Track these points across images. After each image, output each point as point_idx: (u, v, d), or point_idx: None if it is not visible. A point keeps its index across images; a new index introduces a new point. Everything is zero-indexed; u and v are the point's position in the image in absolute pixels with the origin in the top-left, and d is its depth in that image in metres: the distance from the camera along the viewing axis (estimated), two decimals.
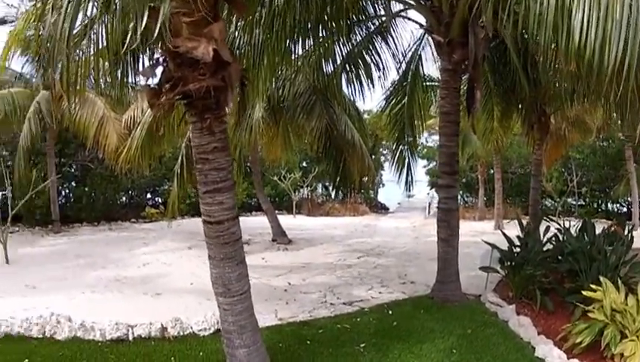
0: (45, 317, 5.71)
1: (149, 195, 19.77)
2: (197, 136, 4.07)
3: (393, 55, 9.11)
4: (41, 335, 5.48)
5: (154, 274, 9.15)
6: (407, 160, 10.08)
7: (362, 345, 5.27)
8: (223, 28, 3.95)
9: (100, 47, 3.72)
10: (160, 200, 19.36)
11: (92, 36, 3.68)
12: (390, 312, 6.49)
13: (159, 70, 3.92)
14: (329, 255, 10.92)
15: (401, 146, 10.04)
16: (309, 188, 21.69)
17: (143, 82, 4.40)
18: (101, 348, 5.19)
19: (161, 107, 3.80)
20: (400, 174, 10.10)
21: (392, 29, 8.84)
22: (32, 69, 14.62)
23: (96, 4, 3.42)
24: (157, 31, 3.17)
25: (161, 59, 3.90)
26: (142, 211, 17.66)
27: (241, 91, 4.04)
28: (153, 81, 3.92)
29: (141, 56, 4.40)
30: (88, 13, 3.57)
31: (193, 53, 3.66)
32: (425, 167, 22.94)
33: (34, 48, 13.18)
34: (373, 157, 14.25)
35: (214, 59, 3.69)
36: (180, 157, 10.06)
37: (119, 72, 4.42)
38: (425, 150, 22.13)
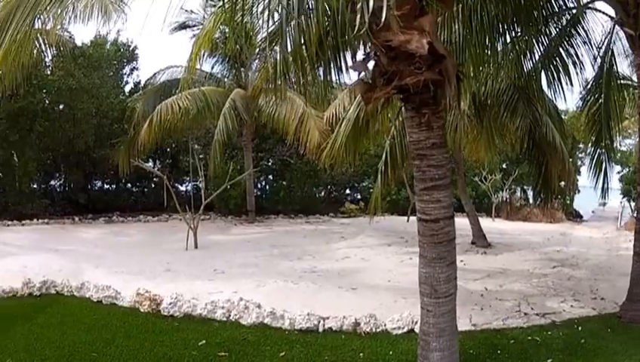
0: (233, 301, 5.96)
1: (347, 191, 20.33)
2: (414, 132, 4.00)
3: (587, 50, 8.36)
4: (225, 319, 5.73)
5: (350, 268, 9.24)
6: (604, 165, 9.21)
7: (549, 361, 4.87)
8: (432, 20, 3.83)
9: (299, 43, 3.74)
10: (359, 197, 19.79)
11: (288, 34, 3.72)
12: (579, 328, 5.95)
13: (370, 64, 3.90)
14: (525, 262, 10.38)
15: (598, 150, 9.19)
16: (508, 191, 20.85)
17: (346, 80, 4.44)
18: (288, 336, 5.31)
19: (376, 101, 3.79)
20: (597, 180, 9.23)
21: (583, 22, 8.12)
22: (223, 68, 15.97)
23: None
24: (362, 26, 3.11)
25: (372, 54, 3.89)
26: (340, 206, 18.14)
27: (456, 86, 3.88)
28: (363, 76, 3.92)
29: (343, 52, 4.41)
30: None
31: (407, 47, 3.58)
32: (619, 173, 20.87)
33: (224, 49, 14.39)
34: (571, 160, 13.25)
35: (429, 52, 3.58)
36: (383, 155, 9.98)
37: (320, 69, 4.47)
38: (619, 154, 20.13)
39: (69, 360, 4.62)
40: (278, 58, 3.93)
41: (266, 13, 3.60)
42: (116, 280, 7.05)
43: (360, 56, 3.97)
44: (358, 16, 3.07)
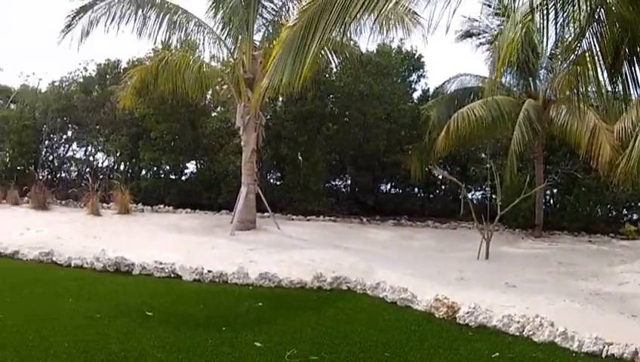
0: (528, 316, 5.75)
1: (625, 211, 18.30)
2: None
3: None
4: (517, 334, 5.54)
5: (630, 293, 8.32)
6: None
7: None
8: None
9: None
10: (635, 217, 17.65)
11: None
12: None
13: None
14: None
15: None
16: None
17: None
18: (574, 358, 4.98)
19: None
20: None
21: None
22: (513, 77, 15.50)
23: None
24: None
25: None
26: (619, 227, 16.44)
27: None
28: None
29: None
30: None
31: None
32: None
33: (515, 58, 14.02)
34: None
35: None
36: None
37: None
38: None
39: (360, 358, 4.77)
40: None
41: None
42: (409, 283, 7.26)
43: None
44: None
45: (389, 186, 19.64)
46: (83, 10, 12.36)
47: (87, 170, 19.38)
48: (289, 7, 13.83)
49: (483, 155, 16.82)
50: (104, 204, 15.23)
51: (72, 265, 8.18)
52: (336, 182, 19.52)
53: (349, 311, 6.25)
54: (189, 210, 15.68)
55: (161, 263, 7.93)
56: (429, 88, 18.98)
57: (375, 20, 10.57)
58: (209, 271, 7.67)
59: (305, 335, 5.27)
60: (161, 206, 16.12)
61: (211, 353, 4.68)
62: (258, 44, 13.94)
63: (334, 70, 16.67)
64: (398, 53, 18.41)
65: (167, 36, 13.26)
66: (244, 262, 8.52)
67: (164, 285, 7.28)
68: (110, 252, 8.59)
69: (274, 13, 14.11)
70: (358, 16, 5.21)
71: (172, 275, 7.70)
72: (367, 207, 17.52)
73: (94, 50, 18.26)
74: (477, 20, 14.48)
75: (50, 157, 20.09)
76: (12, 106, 21.44)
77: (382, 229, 14.77)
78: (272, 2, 13.97)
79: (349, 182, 19.55)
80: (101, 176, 17.77)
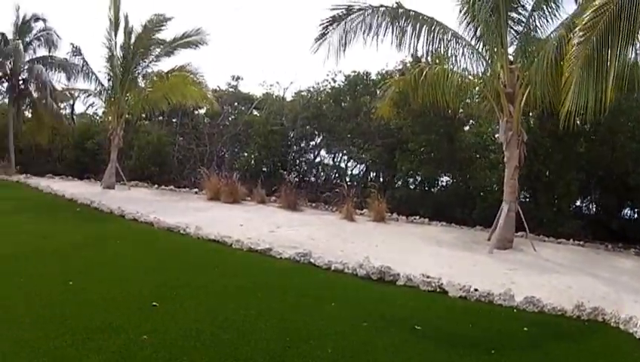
0: None
1: None
2: None
3: None
4: None
5: None
6: None
7: None
8: None
9: None
10: None
11: None
12: None
13: None
14: None
15: None
16: None
17: None
18: None
19: None
20: None
21: None
22: None
23: None
24: None
25: None
26: None
27: None
28: None
29: None
30: None
31: None
32: None
33: None
34: None
35: None
36: None
37: None
38: None
39: None
40: None
41: None
42: None
43: None
44: None
45: (634, 211, 17.65)
46: (335, 20, 12.79)
47: (337, 175, 20.51)
48: (535, 18, 13.23)
49: None
50: (357, 210, 15.71)
51: (332, 268, 8.31)
52: (581, 203, 18.10)
53: (609, 346, 5.91)
54: (444, 223, 15.65)
55: (428, 277, 7.92)
56: None
57: None
58: (475, 290, 7.54)
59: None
60: (416, 217, 16.25)
61: None
62: (511, 57, 13.49)
63: None
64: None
65: (428, 48, 13.38)
66: (505, 283, 8.30)
67: (430, 299, 7.22)
68: (373, 259, 8.67)
69: (522, 24, 13.56)
70: None
71: (438, 290, 7.63)
72: (610, 231, 15.94)
73: (343, 61, 19.16)
74: None
75: (297, 161, 21.68)
76: (254, 112, 23.71)
77: (625, 257, 13.26)
78: (520, 14, 13.42)
79: (593, 204, 18.02)
80: (355, 183, 18.56)
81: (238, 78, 25.72)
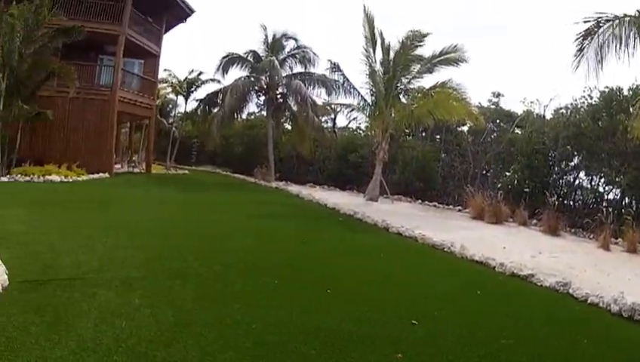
0: None
1: None
2: None
3: None
4: None
5: None
6: None
7: None
8: None
9: None
10: None
11: None
12: None
13: None
14: None
15: None
16: None
17: None
18: None
19: None
20: None
21: None
22: None
23: None
24: None
25: None
26: None
27: None
28: None
29: None
30: None
31: None
32: None
33: None
34: None
35: None
36: None
37: None
38: None
39: None
40: None
41: None
42: None
43: None
44: None
45: None
46: (590, 33, 11.98)
47: (594, 199, 18.91)
48: None
49: None
50: (612, 239, 14.43)
51: (589, 301, 7.80)
52: None
53: None
54: None
55: None
56: None
57: None
58: None
59: None
60: None
61: None
62: None
63: None
64: None
65: None
66: None
67: None
68: (627, 295, 7.73)
69: None
70: None
71: None
72: None
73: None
74: None
75: (558, 183, 20.40)
76: (516, 130, 22.77)
77: None
78: None
79: None
80: (610, 209, 16.96)
81: (498, 95, 25.26)
